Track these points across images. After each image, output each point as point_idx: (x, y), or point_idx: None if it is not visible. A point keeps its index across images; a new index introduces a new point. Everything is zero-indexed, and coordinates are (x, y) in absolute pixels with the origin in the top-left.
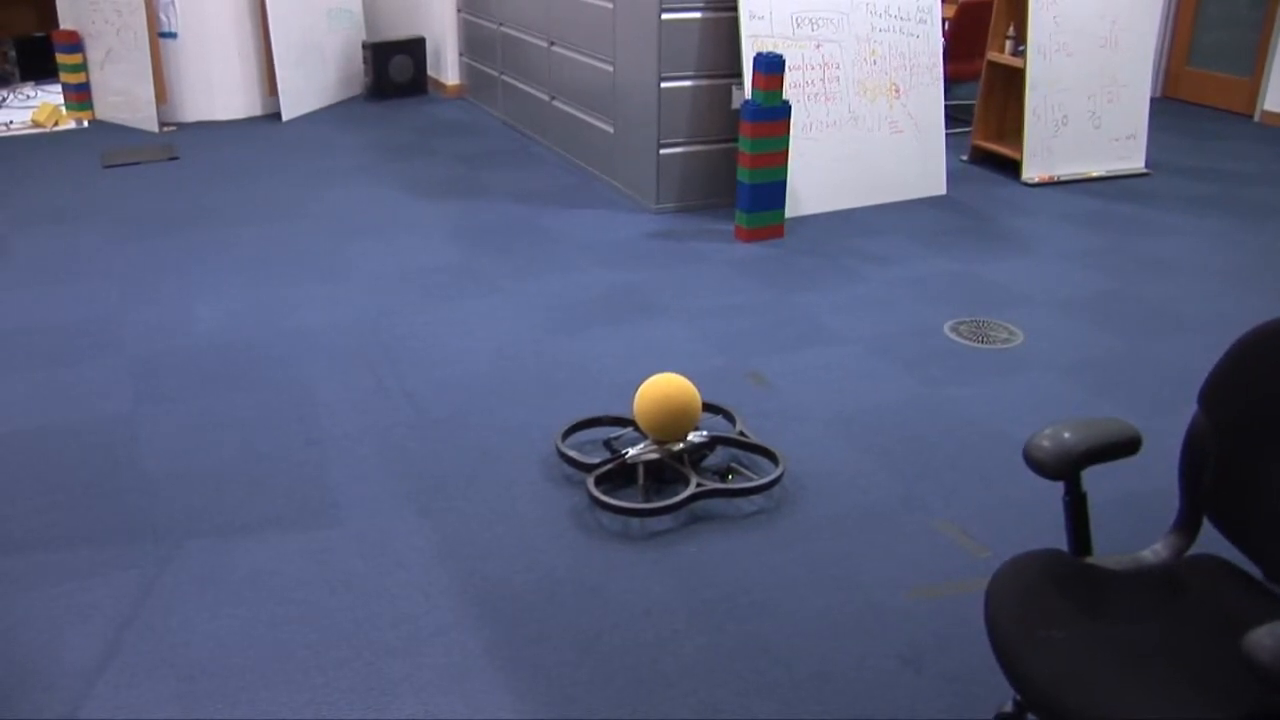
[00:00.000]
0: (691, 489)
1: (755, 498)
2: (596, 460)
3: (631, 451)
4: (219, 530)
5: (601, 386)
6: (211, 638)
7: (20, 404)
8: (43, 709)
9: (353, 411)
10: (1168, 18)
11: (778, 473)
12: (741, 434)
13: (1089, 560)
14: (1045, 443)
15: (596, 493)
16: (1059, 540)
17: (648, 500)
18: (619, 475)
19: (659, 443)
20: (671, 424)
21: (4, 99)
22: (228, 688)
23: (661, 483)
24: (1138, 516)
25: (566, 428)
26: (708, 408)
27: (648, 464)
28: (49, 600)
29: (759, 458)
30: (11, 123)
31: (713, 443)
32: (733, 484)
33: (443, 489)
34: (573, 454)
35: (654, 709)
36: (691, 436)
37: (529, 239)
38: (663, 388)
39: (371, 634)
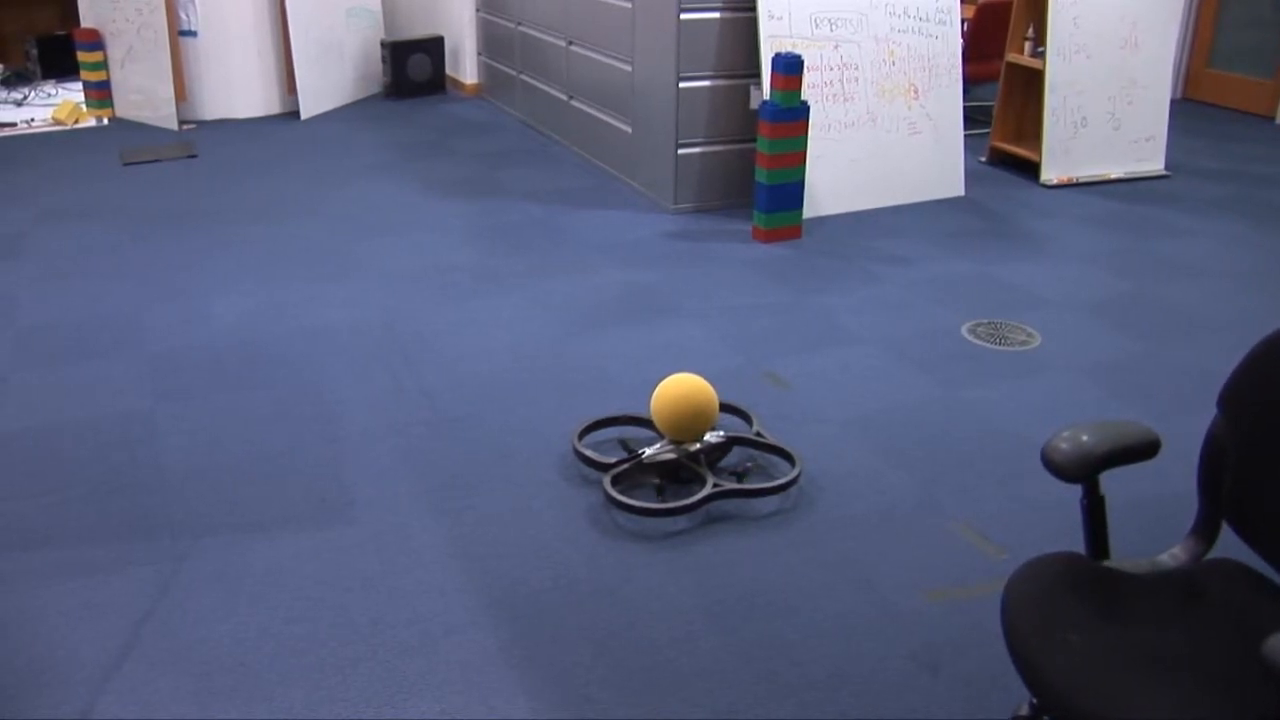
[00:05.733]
0: (708, 489)
1: (772, 498)
2: (613, 460)
3: (648, 451)
4: (235, 528)
5: (618, 386)
6: (227, 635)
7: (38, 399)
8: (59, 704)
9: (369, 410)
10: (1188, 19)
11: (794, 474)
12: (758, 434)
13: (1107, 564)
14: (1064, 445)
15: (613, 492)
16: (1076, 543)
17: (664, 500)
18: (635, 475)
19: (676, 443)
20: (689, 424)
21: (25, 96)
22: (243, 685)
23: (678, 483)
24: (1155, 520)
25: (583, 427)
26: (725, 408)
27: (664, 464)
28: (65, 596)
29: (776, 458)
30: (33, 120)
31: (729, 443)
32: (749, 484)
33: (459, 488)
34: (589, 453)
35: (669, 709)
36: (708, 437)
37: (546, 238)
38: (680, 388)
39: (387, 633)
